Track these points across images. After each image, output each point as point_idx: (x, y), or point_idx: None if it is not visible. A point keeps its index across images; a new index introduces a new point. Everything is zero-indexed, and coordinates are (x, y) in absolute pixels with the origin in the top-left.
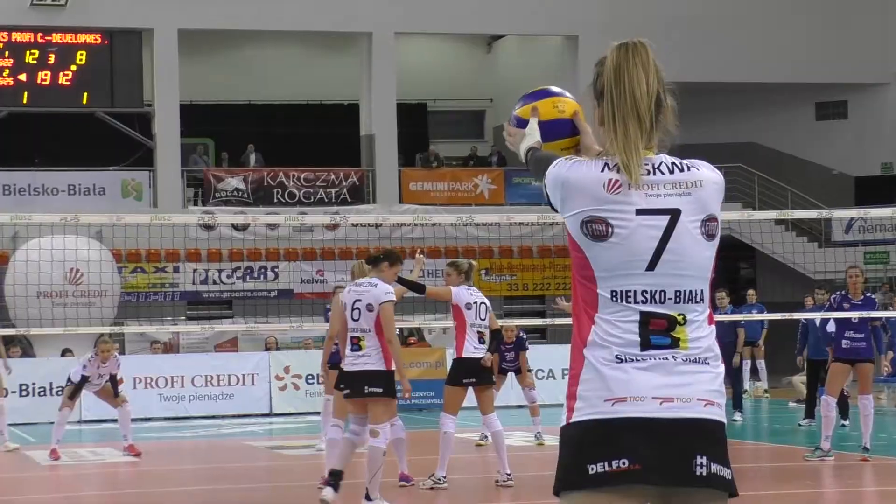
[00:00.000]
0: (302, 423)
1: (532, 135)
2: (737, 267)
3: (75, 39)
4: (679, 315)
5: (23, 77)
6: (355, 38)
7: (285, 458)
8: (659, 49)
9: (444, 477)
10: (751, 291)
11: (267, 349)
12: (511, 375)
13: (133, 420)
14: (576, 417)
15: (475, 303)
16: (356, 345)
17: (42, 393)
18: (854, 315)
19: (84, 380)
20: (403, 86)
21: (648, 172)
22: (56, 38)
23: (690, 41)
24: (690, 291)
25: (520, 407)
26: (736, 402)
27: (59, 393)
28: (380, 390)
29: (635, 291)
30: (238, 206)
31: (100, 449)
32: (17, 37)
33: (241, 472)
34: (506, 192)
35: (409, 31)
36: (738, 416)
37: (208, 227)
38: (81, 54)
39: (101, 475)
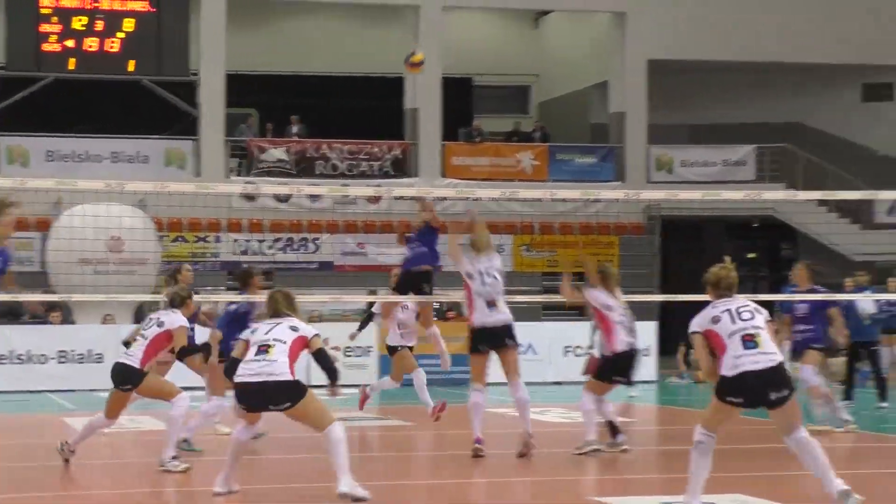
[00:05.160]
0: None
1: None
2: (778, 247)
3: (123, 6)
4: (271, 346)
5: (70, 43)
6: (402, 10)
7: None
8: (707, 28)
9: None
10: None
11: (309, 321)
12: None
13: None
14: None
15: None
16: None
17: (81, 360)
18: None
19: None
20: (449, 60)
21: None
22: (104, 4)
23: (738, 20)
24: (277, 339)
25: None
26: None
27: (100, 360)
28: None
29: (257, 341)
30: (281, 177)
31: (139, 417)
32: (66, 2)
33: (288, 441)
34: (549, 168)
35: (456, 6)
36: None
37: (250, 198)
38: (129, 21)
39: (141, 443)
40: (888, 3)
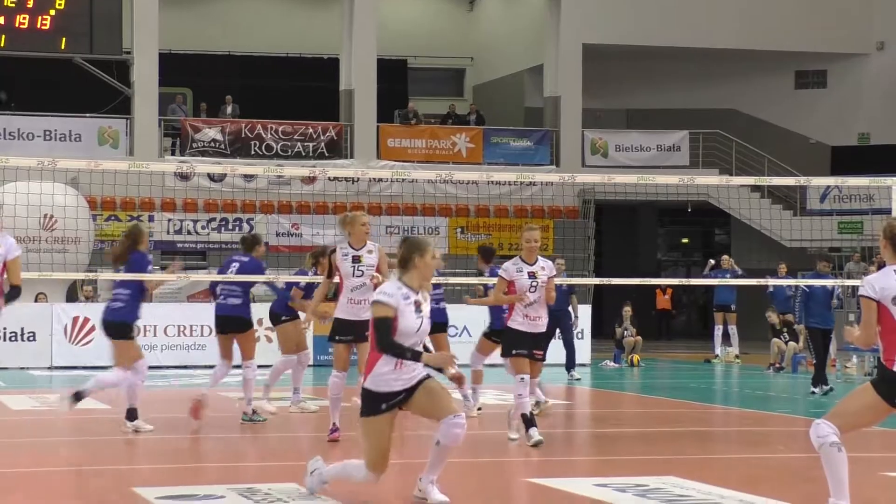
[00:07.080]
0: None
1: None
2: (712, 232)
3: None
4: None
5: (0, 20)
6: None
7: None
8: (642, 13)
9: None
10: (725, 257)
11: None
12: None
13: (103, 367)
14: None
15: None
16: None
17: (13, 338)
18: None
19: None
20: (384, 42)
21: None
22: None
23: (673, 6)
24: None
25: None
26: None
27: (32, 339)
28: None
29: None
30: (215, 157)
31: None
32: None
33: (212, 421)
34: (484, 150)
35: None
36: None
37: (184, 177)
38: None
39: (71, 421)
40: None
